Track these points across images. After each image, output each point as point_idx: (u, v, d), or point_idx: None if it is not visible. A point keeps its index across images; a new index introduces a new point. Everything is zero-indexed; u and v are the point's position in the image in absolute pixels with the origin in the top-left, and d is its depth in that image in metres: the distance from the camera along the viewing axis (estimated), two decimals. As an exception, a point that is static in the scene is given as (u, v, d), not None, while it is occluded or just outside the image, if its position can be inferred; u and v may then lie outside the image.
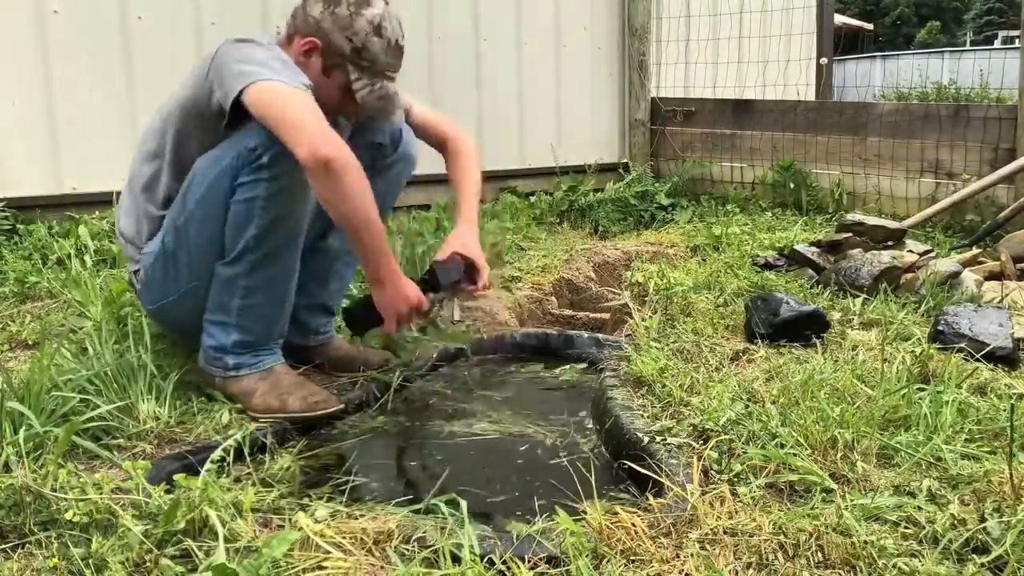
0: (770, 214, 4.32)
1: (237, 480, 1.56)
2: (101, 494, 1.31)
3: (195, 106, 1.85)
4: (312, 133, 1.71)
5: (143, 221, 1.96)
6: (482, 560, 1.20)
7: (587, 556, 1.20)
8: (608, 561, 1.21)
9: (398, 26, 1.96)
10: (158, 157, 1.93)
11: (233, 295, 1.90)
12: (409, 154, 2.20)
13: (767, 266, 3.03)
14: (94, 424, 1.67)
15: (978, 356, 2.01)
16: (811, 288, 2.72)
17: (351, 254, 2.23)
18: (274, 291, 1.93)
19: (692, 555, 1.22)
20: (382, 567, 1.21)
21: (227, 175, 1.82)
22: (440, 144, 2.25)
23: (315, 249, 2.15)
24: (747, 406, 1.72)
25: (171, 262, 1.91)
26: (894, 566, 1.17)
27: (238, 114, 1.77)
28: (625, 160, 5.18)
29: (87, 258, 3.00)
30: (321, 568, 1.19)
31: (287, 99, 1.74)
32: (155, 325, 2.04)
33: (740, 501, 1.36)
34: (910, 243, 3.01)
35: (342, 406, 1.95)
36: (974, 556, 1.20)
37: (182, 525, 1.25)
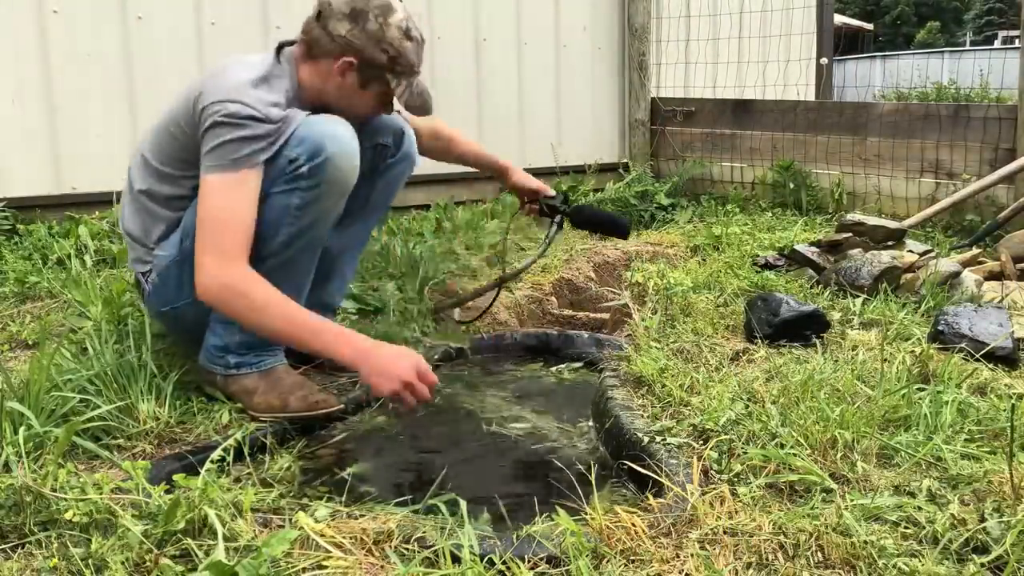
0: (770, 214, 4.32)
1: (237, 480, 1.56)
2: (101, 494, 1.31)
3: (188, 135, 1.85)
4: (205, 267, 1.75)
5: (150, 221, 1.95)
6: (482, 560, 1.20)
7: (587, 556, 1.20)
8: (608, 561, 1.21)
9: (416, 22, 1.97)
10: (158, 159, 1.92)
11: None
12: (410, 154, 2.21)
13: (767, 266, 3.03)
14: (94, 424, 1.67)
15: (978, 356, 2.01)
16: (811, 288, 2.72)
17: (352, 252, 2.23)
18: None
19: (692, 555, 1.22)
20: (382, 567, 1.21)
21: None
22: (430, 132, 2.30)
23: None
24: (747, 406, 1.72)
25: (188, 265, 1.89)
26: (894, 566, 1.17)
27: None
28: (625, 160, 5.18)
29: (87, 258, 3.00)
30: (321, 568, 1.20)
31: (213, 212, 1.76)
32: (156, 325, 2.04)
33: (740, 501, 1.36)
34: (910, 243, 3.01)
35: (342, 406, 1.95)
36: (974, 556, 1.20)
37: (182, 525, 1.25)
